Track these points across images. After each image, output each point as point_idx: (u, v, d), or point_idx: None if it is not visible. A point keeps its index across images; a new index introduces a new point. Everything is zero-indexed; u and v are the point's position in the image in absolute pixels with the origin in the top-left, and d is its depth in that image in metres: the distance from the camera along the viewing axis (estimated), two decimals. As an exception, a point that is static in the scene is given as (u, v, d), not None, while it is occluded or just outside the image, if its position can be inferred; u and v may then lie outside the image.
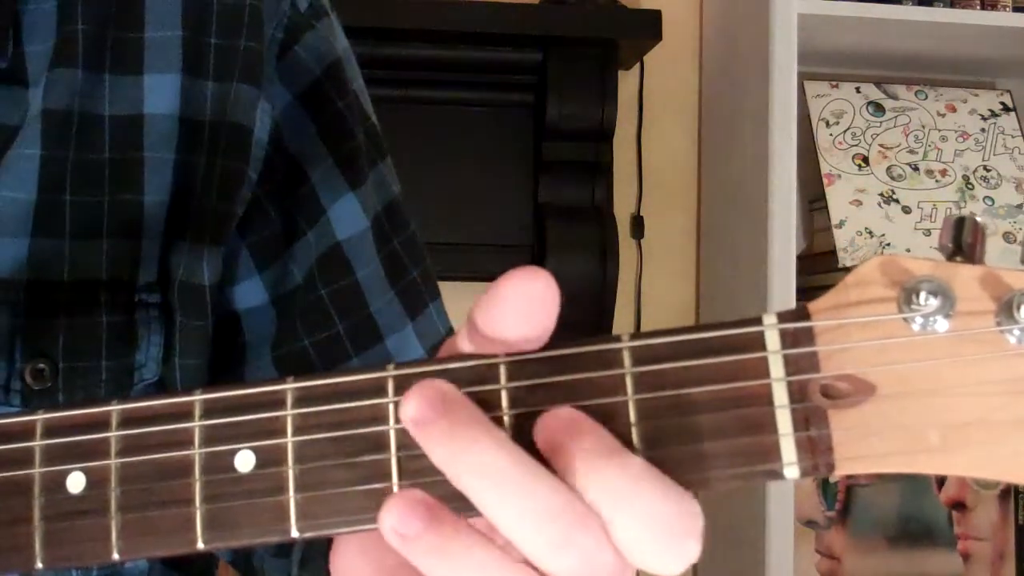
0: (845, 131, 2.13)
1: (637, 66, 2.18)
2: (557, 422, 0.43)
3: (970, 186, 2.10)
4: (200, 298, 0.73)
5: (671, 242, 2.21)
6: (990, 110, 2.18)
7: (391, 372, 0.45)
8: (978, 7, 2.03)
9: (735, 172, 2.07)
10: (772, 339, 0.42)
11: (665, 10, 2.05)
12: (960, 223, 0.42)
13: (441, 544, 0.42)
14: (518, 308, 0.43)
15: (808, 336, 0.42)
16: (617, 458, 0.42)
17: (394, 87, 2.04)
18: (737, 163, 2.06)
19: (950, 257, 0.42)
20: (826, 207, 2.08)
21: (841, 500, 2.02)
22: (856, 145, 2.13)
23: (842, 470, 0.41)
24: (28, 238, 0.68)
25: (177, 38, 0.73)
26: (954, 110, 2.17)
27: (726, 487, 0.42)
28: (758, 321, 0.43)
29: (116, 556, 0.47)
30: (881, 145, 2.13)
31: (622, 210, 2.16)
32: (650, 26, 2.03)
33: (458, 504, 0.43)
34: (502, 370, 0.44)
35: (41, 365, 0.67)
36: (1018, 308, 0.40)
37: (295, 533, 0.45)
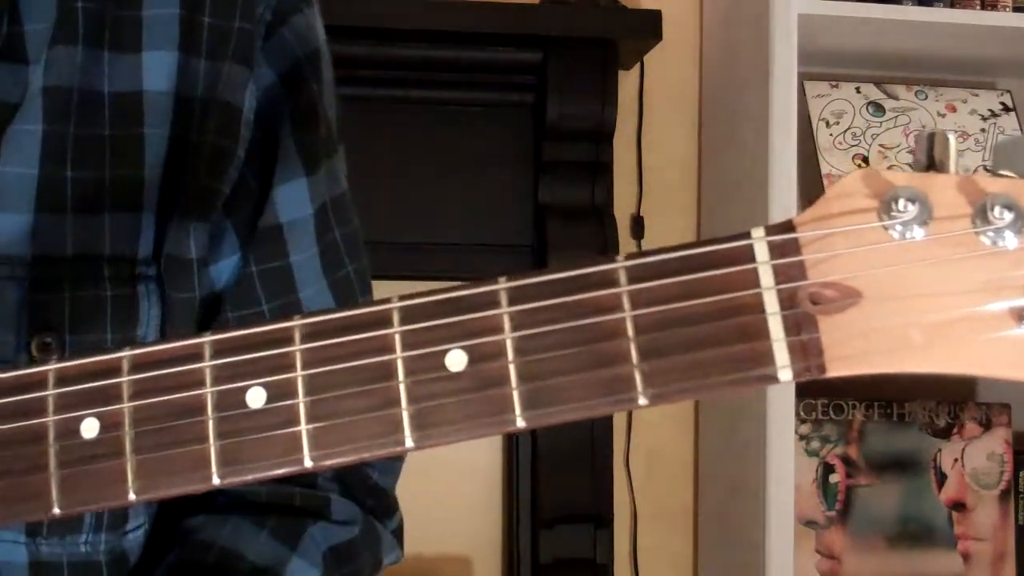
0: (845, 131, 2.13)
1: (637, 66, 2.18)
2: None
3: (970, 186, 2.10)
4: (187, 271, 0.74)
5: (671, 242, 2.19)
6: (990, 110, 2.18)
7: (395, 304, 0.46)
8: (978, 7, 2.03)
9: (735, 172, 2.07)
10: (761, 251, 0.44)
11: (665, 10, 2.05)
12: (931, 138, 0.45)
13: None
14: None
15: (794, 247, 0.44)
16: None
17: (394, 87, 2.05)
18: (737, 163, 2.06)
19: (924, 171, 0.44)
20: (826, 207, 2.08)
21: (841, 500, 2.01)
22: (856, 145, 2.13)
23: (833, 371, 0.43)
24: (31, 213, 0.69)
25: (174, 16, 0.74)
26: (954, 110, 2.17)
27: (724, 393, 0.44)
28: (747, 235, 0.45)
29: (132, 496, 0.48)
30: (881, 145, 2.13)
31: (622, 210, 2.15)
32: (650, 26, 2.03)
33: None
34: (503, 295, 0.46)
35: (47, 339, 0.68)
36: (992, 209, 0.42)
37: (308, 463, 0.46)
